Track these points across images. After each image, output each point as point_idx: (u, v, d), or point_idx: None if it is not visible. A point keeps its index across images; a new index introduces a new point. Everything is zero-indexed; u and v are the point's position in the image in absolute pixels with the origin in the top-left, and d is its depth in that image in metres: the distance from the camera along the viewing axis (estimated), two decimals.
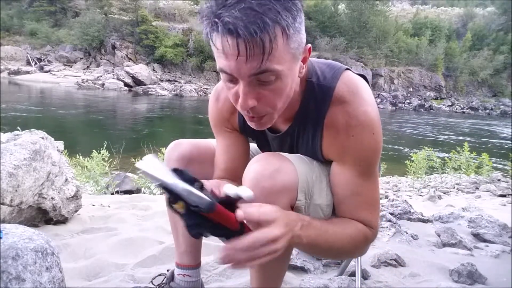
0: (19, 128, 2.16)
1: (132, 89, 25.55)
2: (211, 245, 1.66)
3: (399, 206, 2.33)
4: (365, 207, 0.82)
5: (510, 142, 13.77)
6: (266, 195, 0.73)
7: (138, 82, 26.12)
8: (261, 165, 0.78)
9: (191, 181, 0.54)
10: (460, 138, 13.56)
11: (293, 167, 0.79)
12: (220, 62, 0.67)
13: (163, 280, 1.17)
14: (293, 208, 0.80)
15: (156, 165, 0.51)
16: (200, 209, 0.52)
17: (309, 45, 0.74)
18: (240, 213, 0.61)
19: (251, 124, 0.78)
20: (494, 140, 14.21)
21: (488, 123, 21.96)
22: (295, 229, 0.68)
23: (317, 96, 0.81)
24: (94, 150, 4.10)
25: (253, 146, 1.20)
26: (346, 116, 0.78)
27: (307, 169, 0.83)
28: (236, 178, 0.93)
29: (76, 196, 1.98)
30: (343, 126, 0.79)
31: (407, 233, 1.93)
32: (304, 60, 0.75)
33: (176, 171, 0.54)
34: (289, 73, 0.69)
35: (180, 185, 0.51)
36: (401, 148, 10.84)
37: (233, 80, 0.69)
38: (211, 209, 0.52)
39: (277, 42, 0.63)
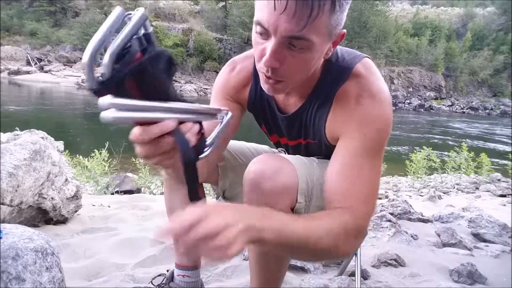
0: (17, 128, 2.15)
1: None
2: None
3: (399, 206, 2.33)
4: (359, 192, 0.72)
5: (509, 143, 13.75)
6: (267, 197, 0.72)
7: None
8: (261, 166, 0.76)
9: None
10: (460, 138, 13.56)
11: (293, 168, 0.78)
12: (260, 14, 0.65)
13: (162, 280, 1.17)
14: (293, 210, 0.79)
15: None
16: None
17: (344, 30, 0.72)
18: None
19: (264, 87, 0.76)
20: (492, 144, 14.19)
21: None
22: (250, 220, 0.55)
23: (334, 74, 0.81)
24: (95, 150, 4.09)
25: (252, 146, 1.19)
26: (358, 88, 0.78)
27: (307, 170, 0.82)
28: None
29: (76, 196, 1.97)
30: (354, 96, 0.78)
31: (407, 233, 1.93)
32: (334, 44, 0.73)
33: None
34: (319, 48, 0.68)
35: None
36: (400, 148, 10.83)
37: (265, 34, 0.67)
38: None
39: (324, 12, 0.61)
